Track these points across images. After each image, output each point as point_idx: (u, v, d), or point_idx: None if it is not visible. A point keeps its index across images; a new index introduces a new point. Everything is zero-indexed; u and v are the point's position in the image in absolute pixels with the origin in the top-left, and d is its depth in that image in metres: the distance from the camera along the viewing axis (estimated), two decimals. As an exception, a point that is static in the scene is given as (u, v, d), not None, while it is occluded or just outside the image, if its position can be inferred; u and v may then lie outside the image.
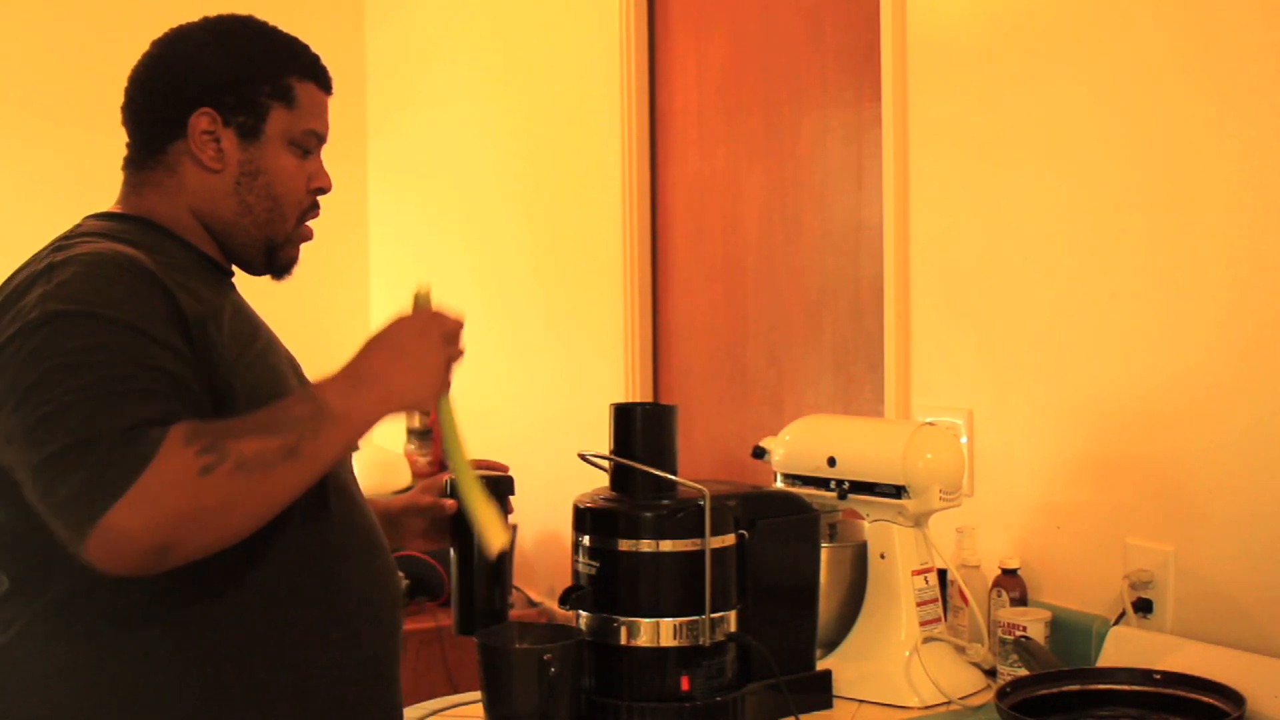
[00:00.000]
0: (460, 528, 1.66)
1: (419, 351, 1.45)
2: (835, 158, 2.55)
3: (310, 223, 1.61)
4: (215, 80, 1.52)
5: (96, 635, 1.39)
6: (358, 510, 1.57)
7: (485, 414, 3.94)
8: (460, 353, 1.50)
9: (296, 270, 1.66)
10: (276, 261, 1.59)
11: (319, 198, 1.60)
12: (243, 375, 1.45)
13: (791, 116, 2.68)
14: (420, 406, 1.46)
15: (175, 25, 1.58)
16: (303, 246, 1.62)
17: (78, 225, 1.52)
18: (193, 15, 1.59)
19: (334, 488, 1.53)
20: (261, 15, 1.60)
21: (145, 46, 1.58)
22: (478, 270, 3.95)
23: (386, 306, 4.57)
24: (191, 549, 1.31)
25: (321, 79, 1.59)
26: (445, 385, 1.47)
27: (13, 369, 1.33)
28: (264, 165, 1.54)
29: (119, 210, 1.55)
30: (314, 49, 1.60)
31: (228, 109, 1.52)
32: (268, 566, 1.44)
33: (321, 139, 1.59)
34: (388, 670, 1.57)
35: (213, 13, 1.58)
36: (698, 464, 2.88)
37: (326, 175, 1.60)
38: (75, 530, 1.27)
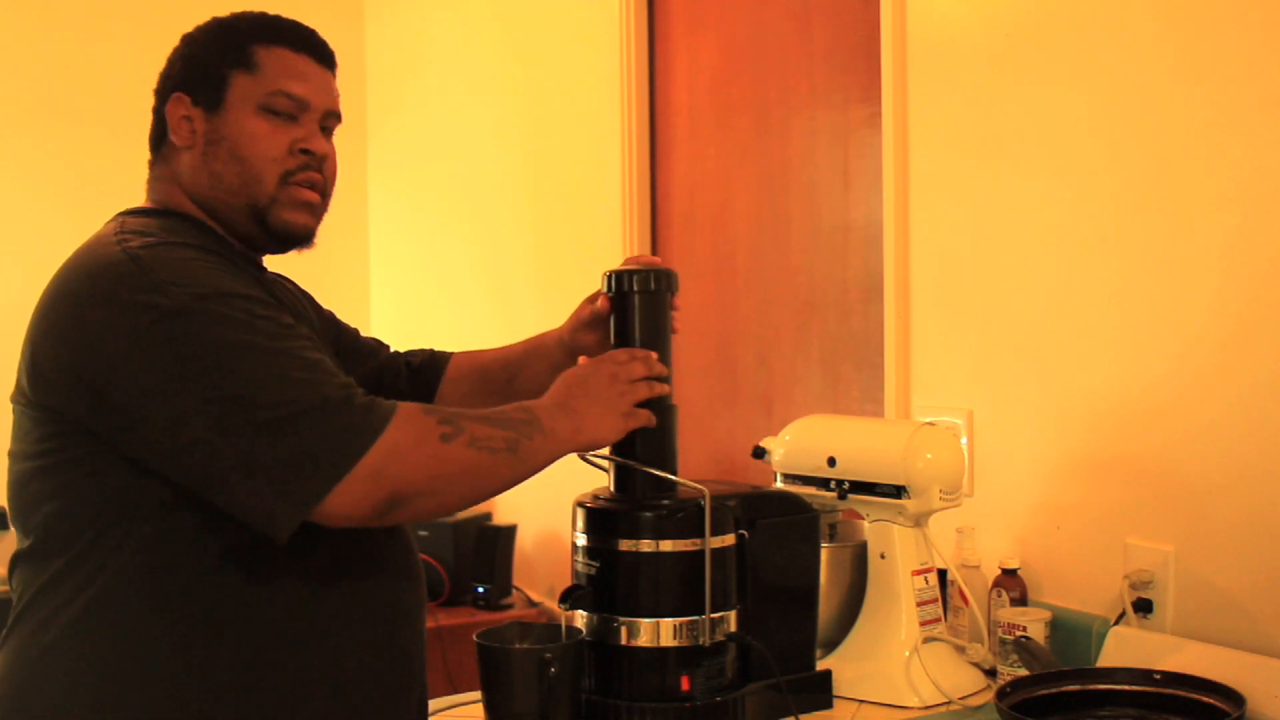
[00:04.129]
0: (618, 307, 1.71)
1: (607, 397, 1.57)
2: (824, 159, 2.55)
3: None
4: (185, 65, 1.57)
5: (139, 623, 1.41)
6: None
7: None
8: (649, 390, 1.62)
9: (291, 262, 1.67)
10: (270, 228, 1.56)
11: (323, 164, 1.59)
12: None
13: (781, 118, 2.69)
14: (604, 444, 1.59)
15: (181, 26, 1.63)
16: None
17: (118, 220, 1.53)
18: (198, 16, 1.62)
19: None
20: (261, 9, 1.62)
21: (148, 46, 1.62)
22: (478, 268, 3.95)
23: (387, 304, 4.57)
24: (417, 508, 1.40)
25: (295, 42, 1.58)
26: (630, 424, 1.60)
27: (166, 358, 1.34)
28: (225, 131, 1.54)
29: (147, 205, 1.59)
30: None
31: (194, 87, 1.55)
32: (313, 562, 1.46)
33: (297, 100, 1.57)
34: (418, 668, 1.60)
35: (223, 11, 1.62)
36: (687, 463, 2.88)
37: (319, 139, 1.59)
38: (317, 484, 1.33)
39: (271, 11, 1.60)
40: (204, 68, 1.55)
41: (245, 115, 1.54)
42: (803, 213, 2.63)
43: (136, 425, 1.36)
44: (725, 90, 2.87)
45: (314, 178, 1.58)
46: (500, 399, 1.77)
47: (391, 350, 1.92)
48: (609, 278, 1.72)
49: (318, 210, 1.61)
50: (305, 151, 1.57)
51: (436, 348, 1.94)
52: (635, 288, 1.69)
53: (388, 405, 1.38)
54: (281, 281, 1.71)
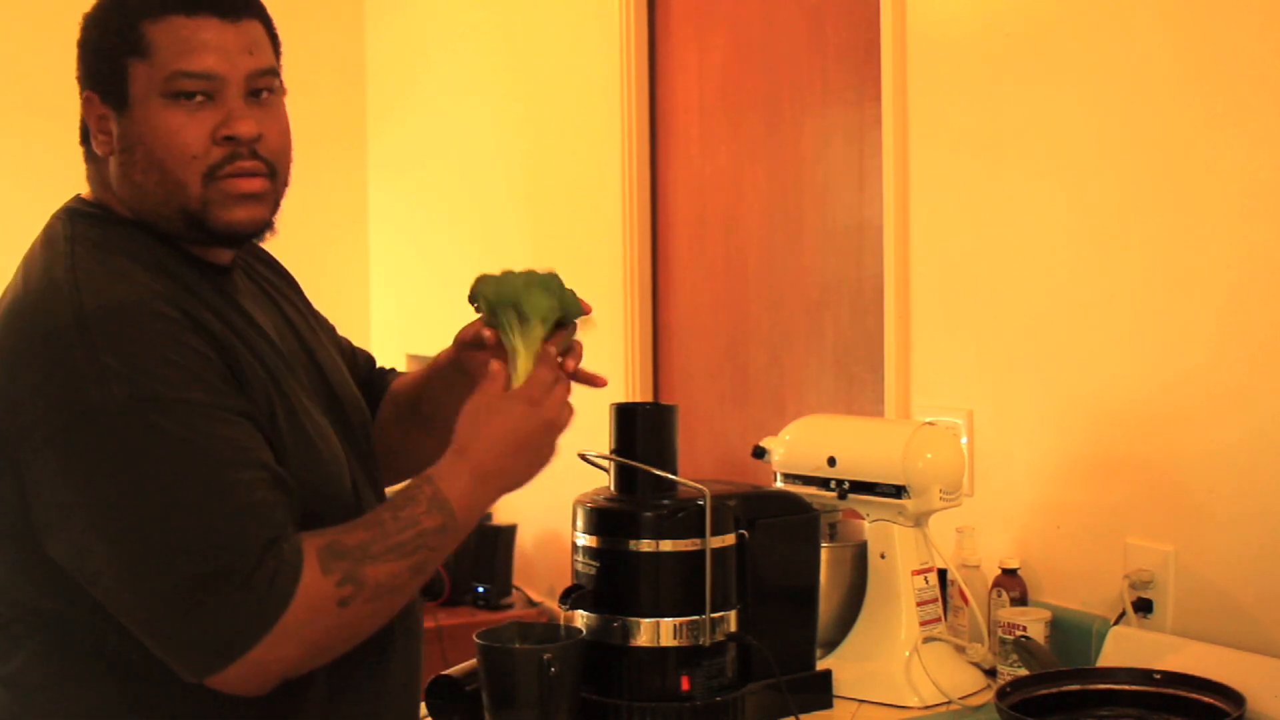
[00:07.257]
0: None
1: (537, 444, 1.41)
2: (837, 157, 2.55)
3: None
4: (85, 56, 1.36)
5: (97, 685, 1.31)
6: None
7: (485, 413, 3.93)
8: (565, 417, 1.42)
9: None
10: (212, 233, 1.35)
11: (258, 145, 1.35)
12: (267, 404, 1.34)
13: (793, 116, 2.68)
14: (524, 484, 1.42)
15: None
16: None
17: (70, 226, 1.37)
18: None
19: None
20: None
21: None
22: (478, 268, 3.94)
23: (387, 305, 4.57)
24: (313, 667, 1.31)
25: (188, 4, 1.31)
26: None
27: (81, 471, 1.23)
28: (137, 134, 1.32)
29: (89, 197, 1.41)
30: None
31: (99, 84, 1.34)
32: None
33: (204, 76, 1.31)
34: (414, 677, 1.53)
35: None
36: (699, 464, 2.88)
37: (243, 119, 1.33)
38: (206, 663, 1.24)
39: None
40: (102, 59, 1.33)
41: (153, 110, 1.31)
42: (815, 211, 2.62)
43: (43, 529, 1.25)
44: (736, 88, 2.86)
45: (247, 166, 1.34)
46: (408, 425, 1.66)
47: (377, 366, 1.78)
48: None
49: (266, 197, 1.38)
50: (229, 139, 1.33)
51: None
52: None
53: (288, 578, 1.23)
54: (263, 285, 1.52)
